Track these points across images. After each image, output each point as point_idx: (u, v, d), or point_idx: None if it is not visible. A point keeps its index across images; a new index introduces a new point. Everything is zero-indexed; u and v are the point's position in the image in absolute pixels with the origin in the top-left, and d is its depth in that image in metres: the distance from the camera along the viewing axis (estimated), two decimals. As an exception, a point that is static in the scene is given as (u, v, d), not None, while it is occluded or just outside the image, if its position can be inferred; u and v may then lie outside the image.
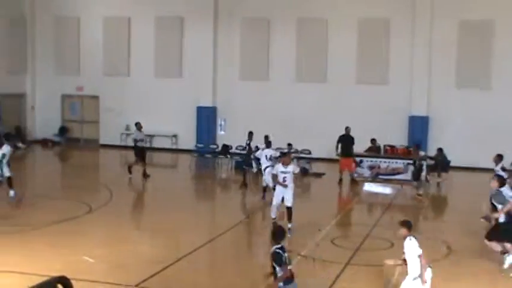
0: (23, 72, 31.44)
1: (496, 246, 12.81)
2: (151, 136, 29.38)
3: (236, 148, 25.61)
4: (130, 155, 23.55)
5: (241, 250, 14.51)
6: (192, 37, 29.08)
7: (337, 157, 22.90)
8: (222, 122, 28.84)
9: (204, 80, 28.82)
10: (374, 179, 23.14)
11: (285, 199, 15.11)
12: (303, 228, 15.31)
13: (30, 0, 31.21)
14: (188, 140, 28.98)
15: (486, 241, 12.89)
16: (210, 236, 15.01)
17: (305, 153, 25.17)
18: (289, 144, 23.38)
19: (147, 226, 16.60)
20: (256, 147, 20.93)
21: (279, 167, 15.18)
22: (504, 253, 12.77)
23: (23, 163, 28.42)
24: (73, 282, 8.10)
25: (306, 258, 12.98)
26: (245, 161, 21.61)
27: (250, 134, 21.80)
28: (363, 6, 26.92)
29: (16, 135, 29.79)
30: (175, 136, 29.68)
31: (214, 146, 27.58)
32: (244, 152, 22.13)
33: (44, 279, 7.87)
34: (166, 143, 29.36)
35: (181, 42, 29.39)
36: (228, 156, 25.90)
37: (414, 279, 9.32)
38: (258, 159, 19.84)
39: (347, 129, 23.01)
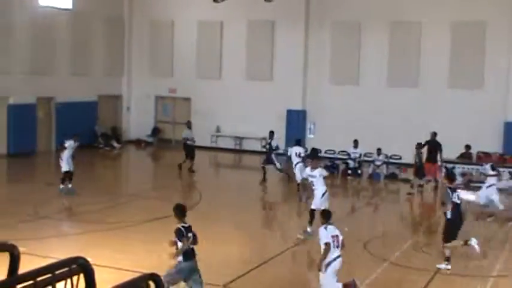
0: (120, 74, 32.52)
1: (456, 243, 12.94)
2: (240, 138, 29.75)
3: (325, 152, 25.57)
4: (220, 156, 23.94)
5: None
6: (283, 41, 29.24)
7: (415, 162, 22.43)
8: (312, 126, 28.84)
9: (294, 83, 28.91)
10: (465, 186, 22.54)
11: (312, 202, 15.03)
12: (390, 235, 15.13)
13: (128, 3, 32.27)
14: (277, 142, 29.04)
15: (446, 245, 12.83)
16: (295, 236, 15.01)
17: (395, 159, 24.84)
18: (379, 149, 23.18)
19: (235, 226, 16.81)
20: (277, 146, 22.77)
21: (307, 171, 15.27)
22: (466, 242, 13.05)
23: (118, 162, 29.45)
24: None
25: (394, 265, 12.83)
26: (266, 159, 22.56)
27: (271, 133, 22.96)
28: (457, 9, 26.26)
29: (112, 136, 30.97)
30: (264, 139, 29.88)
31: (303, 150, 27.55)
32: (265, 150, 23.31)
33: (136, 275, 8.16)
34: (256, 146, 29.63)
35: (272, 45, 29.62)
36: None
37: (325, 266, 10.15)
38: (278, 156, 21.96)
39: (433, 134, 22.56)
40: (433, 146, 22.28)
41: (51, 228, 15.25)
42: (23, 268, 3.49)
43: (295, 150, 20.56)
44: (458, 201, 12.86)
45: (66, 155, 18.97)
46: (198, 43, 31.02)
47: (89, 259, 3.46)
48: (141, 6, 32.18)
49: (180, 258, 9.68)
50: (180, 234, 9.74)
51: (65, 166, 18.90)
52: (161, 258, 12.75)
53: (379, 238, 15.19)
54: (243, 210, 18.24)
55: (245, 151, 29.34)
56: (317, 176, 14.90)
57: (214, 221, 17.35)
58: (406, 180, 23.47)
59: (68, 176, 18.88)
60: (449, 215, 12.80)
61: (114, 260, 12.30)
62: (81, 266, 3.38)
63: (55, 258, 11.13)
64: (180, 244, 9.68)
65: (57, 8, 27.91)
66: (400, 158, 24.87)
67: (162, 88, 31.96)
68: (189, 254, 9.75)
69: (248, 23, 29.77)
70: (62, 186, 18.83)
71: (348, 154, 25.10)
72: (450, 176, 13.95)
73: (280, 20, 29.20)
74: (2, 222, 14.42)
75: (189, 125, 24.53)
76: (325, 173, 15.60)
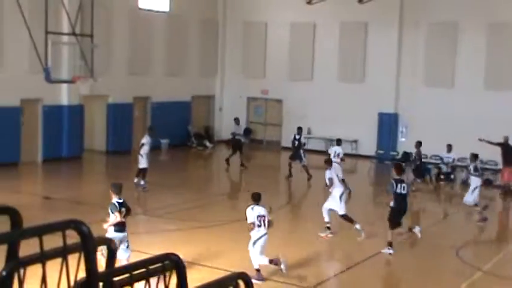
0: (213, 74, 33.10)
1: (401, 229, 14.04)
2: (331, 140, 29.63)
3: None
4: (311, 158, 23.92)
5: (426, 261, 13.99)
6: (376, 42, 28.93)
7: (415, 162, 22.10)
8: (404, 129, 28.39)
9: (386, 85, 28.55)
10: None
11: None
12: (484, 243, 14.72)
13: (222, 5, 32.81)
14: (368, 145, 28.85)
15: (391, 231, 13.83)
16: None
17: (490, 164, 24.11)
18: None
19: (324, 227, 16.77)
20: (304, 143, 23.69)
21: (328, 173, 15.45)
22: (410, 229, 14.07)
23: (209, 162, 29.96)
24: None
25: (487, 275, 12.49)
26: (293, 155, 22.99)
27: (299, 129, 23.67)
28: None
29: (204, 135, 31.57)
30: (355, 141, 29.70)
31: (395, 153, 27.24)
32: (294, 146, 23.45)
33: (226, 274, 8.35)
34: (347, 148, 29.41)
35: (364, 47, 29.37)
36: (409, 163, 25.44)
37: (253, 243, 11.55)
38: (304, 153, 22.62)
39: (506, 138, 21.92)
40: (508, 149, 21.70)
41: (144, 224, 15.76)
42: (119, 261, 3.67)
43: (334, 149, 21.24)
44: (404, 192, 13.91)
45: (145, 150, 19.62)
46: (291, 45, 31.14)
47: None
48: (235, 8, 32.62)
49: (112, 228, 10.95)
50: (113, 207, 11.23)
51: (143, 162, 19.54)
52: (249, 257, 12.93)
53: (472, 245, 14.80)
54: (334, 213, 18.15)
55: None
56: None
57: (305, 222, 17.40)
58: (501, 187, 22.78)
59: (143, 172, 19.56)
60: (392, 204, 14.07)
61: (203, 258, 12.57)
62: (173, 263, 3.52)
63: (147, 253, 11.52)
64: (112, 216, 11.04)
65: (154, 11, 28.73)
66: (496, 164, 24.09)
67: (254, 89, 32.28)
68: (120, 226, 11.13)
69: (341, 24, 29.63)
70: (136, 179, 19.52)
71: (441, 158, 24.58)
72: (398, 168, 14.77)
73: (373, 22, 28.90)
74: (101, 218, 14.98)
75: (237, 121, 25.95)
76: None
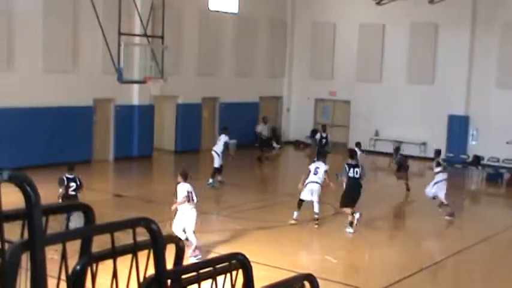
0: (281, 75, 33.17)
1: (348, 210, 15.36)
2: (399, 142, 29.24)
3: (488, 160, 24.53)
4: (379, 160, 23.71)
5: (492, 268, 13.78)
6: (447, 43, 28.38)
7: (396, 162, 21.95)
8: (474, 132, 27.74)
9: (457, 87, 27.98)
10: None
11: None
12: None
13: (291, 6, 32.85)
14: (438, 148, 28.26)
15: (341, 208, 15.59)
16: (456, 248, 14.59)
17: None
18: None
19: (393, 232, 16.63)
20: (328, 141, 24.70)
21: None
22: (352, 213, 15.18)
23: (276, 163, 30.03)
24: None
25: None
26: (319, 153, 22.91)
27: (324, 126, 25.24)
28: None
29: (272, 136, 31.65)
30: (424, 144, 29.20)
31: (465, 157, 26.66)
32: (319, 144, 24.47)
33: (291, 275, 8.38)
34: (415, 151, 28.99)
35: (434, 48, 28.85)
36: (479, 167, 24.91)
37: (180, 215, 12.80)
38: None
39: None
40: None
41: (211, 223, 15.95)
42: (185, 260, 3.76)
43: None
44: (357, 176, 15.38)
45: (220, 149, 20.04)
46: (359, 46, 30.90)
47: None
48: (304, 9, 32.60)
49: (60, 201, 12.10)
50: (61, 181, 12.89)
51: (219, 161, 19.92)
52: (316, 259, 12.94)
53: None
54: (402, 216, 17.97)
55: (403, 155, 28.76)
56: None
57: (371, 224, 17.24)
58: None
59: (218, 171, 19.88)
60: (344, 186, 15.62)
61: (269, 258, 12.64)
62: (240, 262, 3.57)
63: (214, 252, 11.68)
64: (60, 190, 12.67)
65: (224, 12, 29.03)
66: None
67: (322, 90, 32.18)
68: (69, 199, 12.40)
69: (411, 25, 29.21)
70: (211, 180, 19.79)
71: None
72: (351, 152, 16.61)
73: (444, 23, 28.35)
74: (170, 217, 15.28)
75: (265, 120, 27.21)
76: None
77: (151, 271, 3.24)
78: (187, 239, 12.49)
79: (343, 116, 31.92)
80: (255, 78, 31.19)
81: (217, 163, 20.20)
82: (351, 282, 11.63)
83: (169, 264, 3.43)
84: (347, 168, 15.57)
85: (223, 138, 20.74)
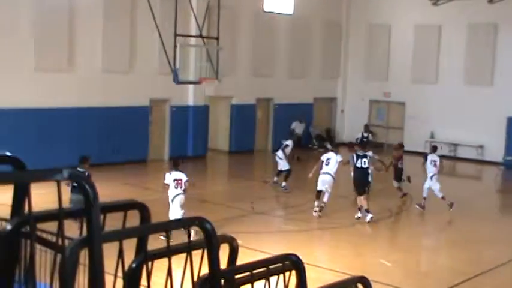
0: (335, 76, 33.01)
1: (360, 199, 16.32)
2: (455, 145, 28.77)
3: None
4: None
5: None
6: (506, 44, 27.76)
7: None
8: (534, 135, 27.05)
9: (517, 89, 27.35)
10: None
11: None
12: None
13: (346, 8, 32.66)
14: (495, 151, 27.70)
15: (360, 198, 16.31)
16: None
17: None
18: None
19: (448, 236, 16.37)
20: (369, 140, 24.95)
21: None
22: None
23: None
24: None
25: None
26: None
27: (366, 126, 25.72)
28: None
29: (326, 137, 31.55)
30: (481, 147, 28.62)
31: (525, 160, 26.02)
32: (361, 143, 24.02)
33: (344, 277, 8.35)
34: (471, 154, 28.46)
35: (493, 49, 28.25)
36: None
37: (172, 201, 13.88)
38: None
39: None
40: None
41: (265, 223, 15.98)
42: (238, 259, 3.79)
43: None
44: (365, 166, 16.26)
45: (288, 152, 20.31)
46: (415, 47, 30.49)
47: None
48: (359, 11, 32.37)
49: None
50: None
51: (285, 164, 19.99)
52: (369, 262, 12.84)
53: None
54: (457, 219, 17.65)
55: (460, 158, 28.32)
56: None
57: (426, 227, 17.04)
58: None
59: (287, 174, 19.95)
60: (352, 175, 16.60)
61: (322, 260, 12.61)
62: (293, 263, 3.58)
63: (266, 253, 11.71)
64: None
65: (279, 13, 29.06)
66: None
67: (377, 92, 31.89)
68: (75, 188, 11.93)
69: (468, 26, 28.66)
70: (284, 183, 19.79)
71: None
72: (363, 145, 17.92)
73: (504, 23, 27.73)
74: (224, 216, 15.43)
75: (301, 119, 27.46)
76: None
77: (205, 270, 3.28)
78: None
79: (397, 118, 31.56)
80: (309, 79, 31.12)
81: (282, 166, 20.29)
82: (406, 286, 11.49)
83: (223, 264, 3.46)
84: (355, 158, 16.43)
85: (287, 141, 20.92)
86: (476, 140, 28.39)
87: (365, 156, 16.48)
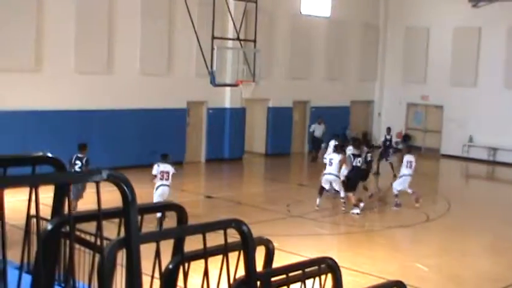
0: (373, 79, 32.81)
1: (349, 195, 16.95)
2: (494, 149, 28.33)
3: None
4: (472, 167, 23.08)
5: None
6: (548, 47, 27.28)
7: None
8: None
9: (558, 92, 26.83)
10: None
11: None
12: None
13: (384, 10, 32.43)
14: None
15: (349, 194, 16.98)
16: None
17: None
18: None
19: (487, 241, 16.11)
20: (396, 141, 25.09)
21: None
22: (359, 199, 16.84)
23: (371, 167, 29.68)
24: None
25: None
26: (382, 153, 24.57)
27: (389, 129, 25.37)
28: None
29: (362, 140, 31.31)
30: (522, 151, 28.12)
31: None
32: (383, 145, 24.90)
33: (380, 281, 8.32)
34: (511, 158, 27.97)
35: (535, 52, 27.76)
36: None
37: (155, 189, 14.54)
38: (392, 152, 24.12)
39: None
40: None
41: (300, 226, 15.96)
42: (274, 262, 3.80)
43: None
44: (359, 164, 17.24)
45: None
46: (454, 50, 30.13)
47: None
48: (397, 14, 32.12)
49: None
50: (70, 159, 14.32)
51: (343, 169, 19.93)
52: (406, 266, 12.72)
53: None
54: (496, 224, 17.39)
55: (499, 163, 27.87)
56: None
57: (463, 232, 16.80)
58: None
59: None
60: (347, 173, 17.15)
61: (357, 263, 12.53)
62: (329, 267, 3.58)
63: (301, 256, 11.70)
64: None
65: (316, 16, 28.99)
66: None
67: (414, 95, 31.58)
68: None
69: (509, 28, 28.22)
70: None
71: None
72: (356, 144, 18.14)
73: (546, 25, 27.25)
74: (260, 219, 15.45)
75: (319, 121, 27.27)
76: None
77: (241, 272, 3.30)
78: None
79: (435, 121, 31.22)
80: (346, 82, 30.98)
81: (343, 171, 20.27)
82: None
83: (259, 266, 3.48)
84: (352, 158, 17.31)
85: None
86: (516, 144, 27.94)
87: (359, 156, 17.45)
